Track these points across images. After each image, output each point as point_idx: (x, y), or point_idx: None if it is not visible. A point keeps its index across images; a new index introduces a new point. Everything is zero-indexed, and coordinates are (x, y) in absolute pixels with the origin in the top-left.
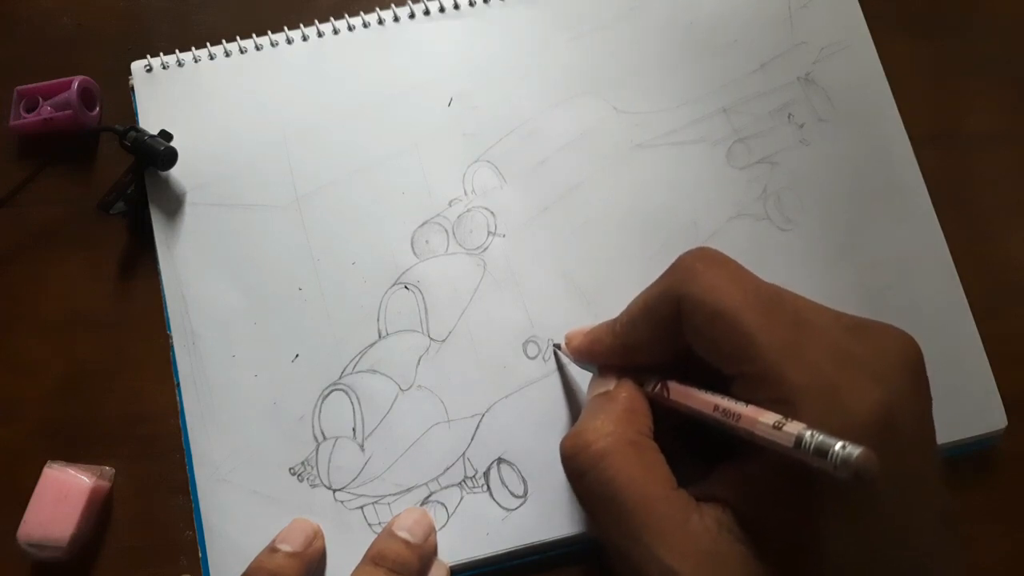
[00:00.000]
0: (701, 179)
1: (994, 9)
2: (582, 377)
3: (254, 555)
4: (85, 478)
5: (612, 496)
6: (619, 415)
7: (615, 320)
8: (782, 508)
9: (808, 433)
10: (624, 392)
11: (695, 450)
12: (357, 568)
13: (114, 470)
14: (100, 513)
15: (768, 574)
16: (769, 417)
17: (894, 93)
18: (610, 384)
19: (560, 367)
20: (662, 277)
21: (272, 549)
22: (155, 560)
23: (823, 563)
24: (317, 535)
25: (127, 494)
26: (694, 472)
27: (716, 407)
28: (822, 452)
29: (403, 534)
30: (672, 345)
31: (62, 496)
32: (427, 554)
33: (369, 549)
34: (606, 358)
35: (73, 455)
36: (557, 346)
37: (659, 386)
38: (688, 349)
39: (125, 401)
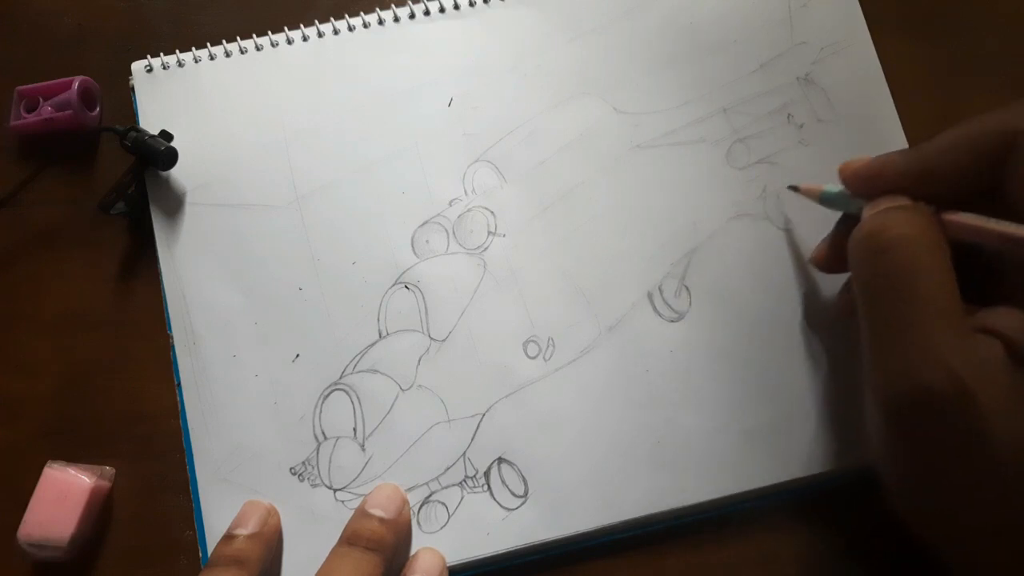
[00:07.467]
0: (701, 179)
1: (994, 10)
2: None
3: None
4: (85, 478)
5: (908, 278)
6: (923, 214)
7: (911, 148)
8: None
9: None
10: (921, 207)
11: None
12: (332, 550)
13: (114, 470)
14: (100, 513)
15: None
16: None
17: (893, 94)
18: (905, 201)
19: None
20: (993, 114)
21: (229, 536)
22: (155, 560)
23: None
24: (271, 513)
25: (127, 494)
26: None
27: (1011, 231)
28: None
29: (376, 511)
30: (978, 179)
31: (62, 496)
32: (401, 528)
33: (344, 530)
34: (895, 183)
35: (73, 455)
36: (794, 187)
37: (945, 214)
38: (984, 189)
39: (125, 401)
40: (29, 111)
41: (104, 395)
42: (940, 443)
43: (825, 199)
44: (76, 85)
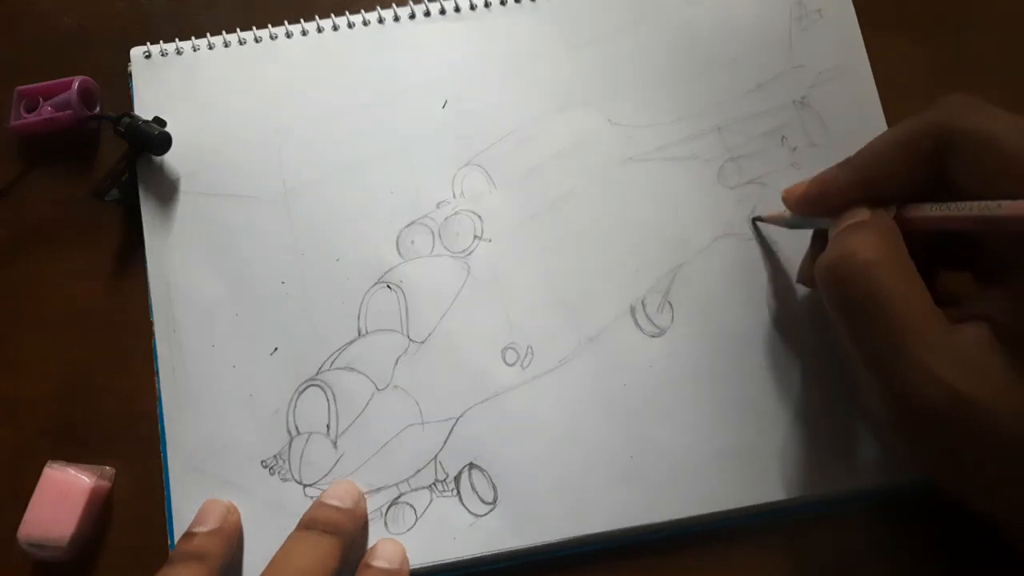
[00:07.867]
0: (691, 196)
1: (993, 10)
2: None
3: None
4: (85, 478)
5: (877, 303)
6: (881, 233)
7: (845, 161)
8: None
9: None
10: (881, 218)
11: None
12: (289, 535)
13: (114, 470)
14: (100, 513)
15: None
16: None
17: (891, 95)
18: (864, 215)
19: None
20: (923, 115)
21: (189, 534)
22: (155, 560)
23: None
24: (231, 511)
25: (127, 494)
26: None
27: (976, 212)
28: None
29: (333, 502)
30: (917, 178)
31: (62, 496)
32: (358, 518)
33: (301, 519)
34: (839, 198)
35: (73, 455)
36: (757, 218)
37: (905, 211)
38: (929, 183)
39: (125, 400)
40: (29, 111)
41: (104, 395)
42: (954, 445)
43: (791, 223)
44: (76, 85)
